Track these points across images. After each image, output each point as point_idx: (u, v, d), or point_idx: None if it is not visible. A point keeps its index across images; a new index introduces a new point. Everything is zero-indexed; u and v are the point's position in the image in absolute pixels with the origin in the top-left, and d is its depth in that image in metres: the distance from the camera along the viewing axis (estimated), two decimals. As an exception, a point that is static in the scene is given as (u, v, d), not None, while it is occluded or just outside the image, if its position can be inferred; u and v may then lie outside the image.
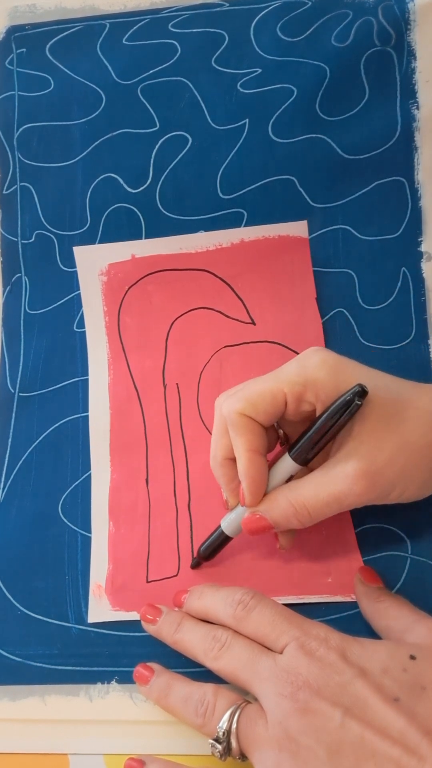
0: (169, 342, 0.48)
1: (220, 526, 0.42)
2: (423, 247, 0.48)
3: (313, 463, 0.39)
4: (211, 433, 0.45)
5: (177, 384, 0.48)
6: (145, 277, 0.49)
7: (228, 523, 0.41)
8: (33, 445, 0.48)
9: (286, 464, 0.39)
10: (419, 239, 0.48)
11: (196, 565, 0.44)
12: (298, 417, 0.39)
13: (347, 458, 0.37)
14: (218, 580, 0.43)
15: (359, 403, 0.36)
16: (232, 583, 0.42)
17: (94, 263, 0.49)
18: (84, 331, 0.49)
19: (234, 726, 0.35)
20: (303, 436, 0.38)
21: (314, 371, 0.38)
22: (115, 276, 0.49)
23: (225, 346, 0.48)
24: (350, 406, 0.36)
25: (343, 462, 0.37)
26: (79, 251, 0.49)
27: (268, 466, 0.40)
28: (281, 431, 0.41)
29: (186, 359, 0.48)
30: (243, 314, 0.48)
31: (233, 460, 0.40)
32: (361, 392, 0.36)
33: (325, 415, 0.37)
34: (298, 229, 0.48)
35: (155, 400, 0.47)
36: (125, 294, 0.49)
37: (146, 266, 0.49)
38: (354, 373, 0.38)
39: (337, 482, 0.37)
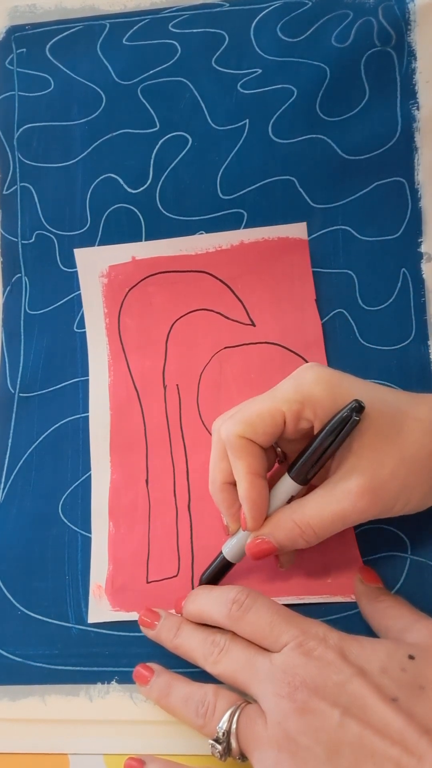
0: (169, 343, 0.48)
1: (221, 552, 0.41)
2: (423, 248, 0.48)
3: (314, 480, 0.39)
4: (211, 434, 0.46)
5: (177, 385, 0.48)
6: (145, 278, 0.49)
7: (230, 548, 0.41)
8: (33, 446, 0.48)
9: (287, 485, 0.39)
10: (419, 240, 0.48)
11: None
12: (296, 435, 0.39)
13: (349, 475, 0.37)
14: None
15: (357, 418, 0.36)
16: (235, 578, 0.42)
17: (95, 265, 0.49)
18: (84, 332, 0.49)
19: (234, 726, 0.35)
20: (302, 456, 0.38)
21: (310, 388, 0.37)
22: (116, 278, 0.49)
23: (225, 347, 0.48)
24: (348, 422, 0.36)
25: (345, 479, 0.37)
26: (79, 253, 0.49)
27: (268, 487, 0.39)
28: (279, 449, 0.41)
29: (186, 360, 0.48)
30: (243, 315, 0.48)
31: (233, 484, 0.40)
32: (358, 408, 0.36)
33: (323, 433, 0.37)
34: (298, 230, 0.48)
35: (155, 401, 0.48)
36: (125, 296, 0.49)
37: (146, 268, 0.49)
38: (350, 387, 0.38)
39: (341, 500, 0.37)
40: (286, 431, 0.38)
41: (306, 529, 0.38)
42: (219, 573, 0.41)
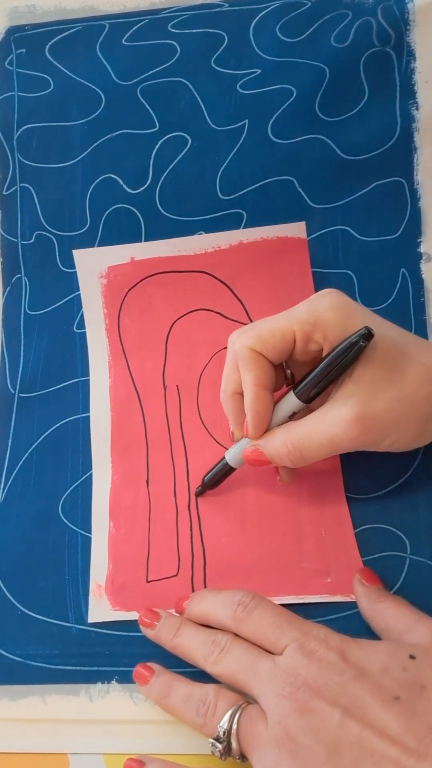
0: (169, 343, 0.48)
1: (224, 457, 0.43)
2: (422, 248, 0.48)
3: (314, 404, 0.40)
4: (211, 434, 0.46)
5: (177, 385, 0.48)
6: (144, 279, 0.49)
7: (232, 454, 0.43)
8: (33, 446, 0.48)
9: (290, 401, 0.40)
10: (418, 240, 0.48)
11: (200, 492, 0.45)
12: (305, 357, 0.40)
13: (345, 402, 0.38)
14: (220, 576, 0.43)
15: (364, 344, 0.37)
16: (234, 578, 0.43)
17: (94, 266, 0.49)
18: (84, 332, 0.49)
19: (234, 726, 0.35)
20: (308, 375, 0.40)
21: (324, 312, 0.38)
22: (115, 278, 0.49)
23: (225, 348, 0.47)
24: (355, 348, 0.37)
25: (340, 405, 0.38)
26: (78, 254, 0.49)
27: (274, 403, 0.41)
28: (289, 371, 0.42)
29: (186, 360, 0.48)
30: (242, 315, 0.48)
31: (242, 394, 0.41)
32: (367, 335, 0.37)
33: (330, 356, 0.38)
34: (297, 230, 0.48)
35: (155, 401, 0.48)
36: (125, 296, 0.49)
37: (145, 268, 0.49)
38: (363, 318, 0.39)
39: (332, 425, 0.38)
40: (295, 351, 0.40)
41: (293, 450, 0.39)
42: (220, 476, 0.44)
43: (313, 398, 0.40)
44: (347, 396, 0.38)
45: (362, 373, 0.38)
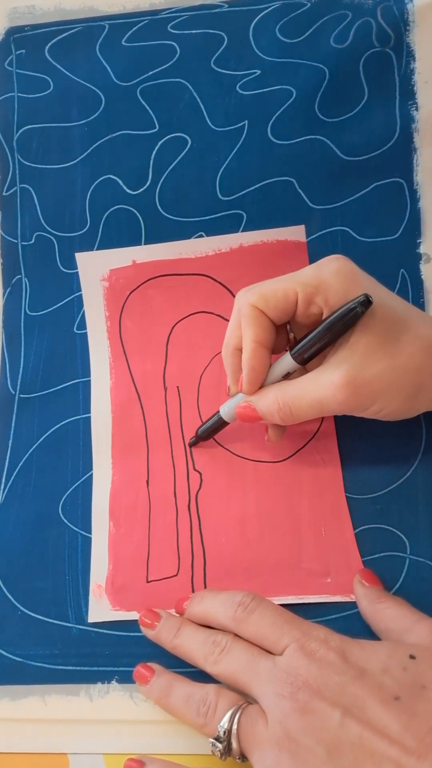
0: (170, 346, 0.48)
1: (218, 411, 0.44)
2: (422, 249, 0.48)
3: (310, 366, 0.41)
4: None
5: (177, 387, 0.48)
6: (145, 282, 0.49)
7: (226, 409, 0.44)
8: (33, 447, 0.48)
9: (285, 362, 0.41)
10: (418, 241, 0.48)
11: (193, 443, 0.46)
12: (307, 320, 0.41)
13: (337, 366, 0.38)
14: (220, 576, 0.43)
15: (361, 311, 0.37)
16: (234, 578, 0.43)
17: (96, 269, 0.49)
18: (84, 333, 0.49)
19: (235, 726, 0.35)
20: (305, 338, 0.40)
21: (328, 277, 0.39)
22: (117, 281, 0.49)
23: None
24: (352, 314, 0.37)
25: (332, 368, 0.38)
26: (81, 257, 0.50)
27: (270, 360, 0.42)
28: (292, 335, 0.43)
29: (186, 362, 0.48)
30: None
31: (242, 350, 0.42)
32: (366, 302, 0.37)
33: (328, 320, 0.39)
34: (296, 233, 0.48)
35: (156, 402, 0.48)
36: (126, 299, 0.49)
37: (147, 271, 0.49)
38: (366, 285, 0.39)
39: (323, 388, 0.39)
40: (297, 313, 0.40)
41: (283, 407, 0.40)
42: (213, 429, 0.45)
43: (308, 360, 0.41)
44: (340, 361, 0.38)
45: (358, 339, 0.38)
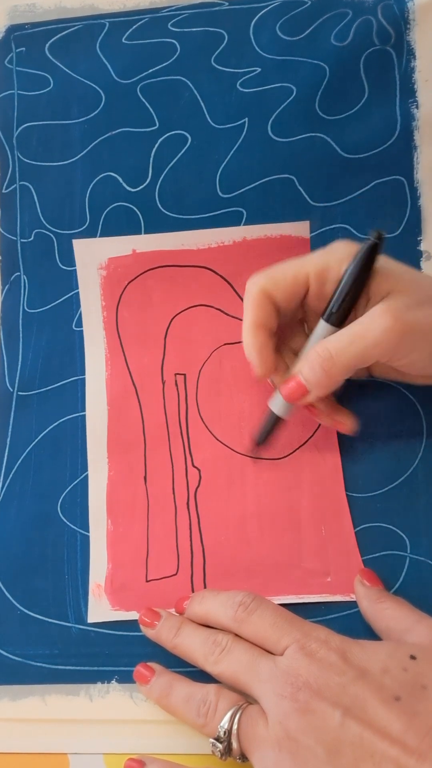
0: (168, 338, 0.48)
1: (269, 408, 0.44)
2: (422, 246, 0.48)
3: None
4: (209, 430, 0.46)
5: (176, 381, 0.48)
6: (145, 272, 0.49)
7: (275, 401, 0.43)
8: (32, 445, 0.48)
9: (320, 329, 0.41)
10: (418, 238, 0.48)
11: (256, 455, 0.46)
12: (322, 302, 0.41)
13: (382, 311, 0.38)
14: (220, 576, 0.43)
15: (377, 242, 0.38)
16: (234, 577, 0.43)
17: (94, 257, 0.49)
18: (83, 330, 0.49)
19: (235, 726, 0.35)
20: (332, 297, 0.40)
21: (339, 257, 0.40)
22: (115, 271, 0.49)
23: (224, 344, 0.48)
24: (371, 247, 0.38)
25: (375, 314, 0.38)
26: (78, 244, 0.49)
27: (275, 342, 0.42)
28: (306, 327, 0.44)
29: (185, 356, 0.48)
30: (242, 312, 0.48)
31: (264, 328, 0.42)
32: (379, 236, 0.38)
33: (349, 268, 0.39)
34: (300, 229, 0.48)
35: (153, 396, 0.47)
36: (124, 289, 0.49)
37: (147, 261, 0.49)
38: (379, 262, 0.39)
39: (363, 321, 0.38)
40: (310, 295, 0.41)
41: (323, 352, 0.39)
42: (269, 431, 0.44)
43: (342, 319, 0.40)
44: (383, 308, 0.38)
45: (394, 293, 0.39)
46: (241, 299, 0.48)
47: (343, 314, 0.40)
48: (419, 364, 0.39)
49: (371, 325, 0.38)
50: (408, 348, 0.38)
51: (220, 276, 0.48)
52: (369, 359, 0.39)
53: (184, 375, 0.48)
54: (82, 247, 0.49)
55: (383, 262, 0.40)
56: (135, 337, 0.48)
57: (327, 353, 0.39)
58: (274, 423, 0.44)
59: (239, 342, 0.47)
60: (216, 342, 0.48)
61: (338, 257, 0.40)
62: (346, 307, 0.40)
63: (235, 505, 0.45)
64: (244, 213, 0.49)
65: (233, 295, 0.48)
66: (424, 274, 0.40)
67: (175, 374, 0.48)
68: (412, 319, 0.38)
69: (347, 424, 0.44)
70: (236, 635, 0.38)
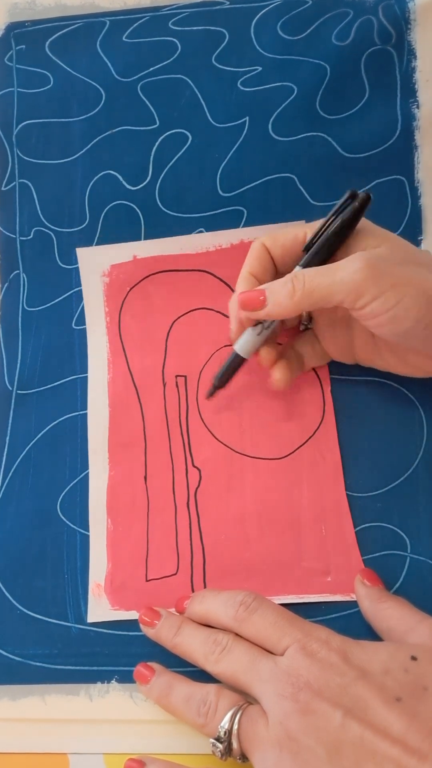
0: (169, 341, 0.48)
1: (234, 351, 0.44)
2: (423, 246, 0.48)
3: None
4: (210, 431, 0.46)
5: (176, 383, 0.48)
6: (146, 278, 0.49)
7: (240, 342, 0.44)
8: (31, 443, 0.48)
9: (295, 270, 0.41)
10: (419, 238, 0.48)
11: (211, 393, 0.45)
12: None
13: (355, 255, 0.39)
14: (220, 575, 0.43)
15: (357, 204, 0.40)
16: (234, 577, 0.43)
17: (97, 265, 0.49)
18: (83, 329, 0.49)
19: (235, 726, 0.35)
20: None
21: None
22: (117, 277, 0.49)
23: (225, 346, 0.48)
24: (348, 201, 0.40)
25: (351, 257, 0.39)
26: (81, 252, 0.49)
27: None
28: (306, 313, 0.44)
29: (186, 358, 0.48)
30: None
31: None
32: (368, 195, 0.40)
33: (335, 221, 0.40)
34: None
35: (154, 397, 0.47)
36: (126, 295, 0.49)
37: (147, 267, 0.49)
38: (364, 224, 0.41)
39: (338, 262, 0.39)
40: None
41: (298, 276, 0.39)
42: (230, 371, 0.44)
43: (320, 258, 0.41)
44: (361, 254, 0.39)
45: (378, 245, 0.40)
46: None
47: (320, 256, 0.41)
48: (396, 323, 0.38)
49: (344, 264, 0.38)
50: (380, 288, 0.37)
51: (220, 279, 0.48)
52: (335, 294, 0.38)
53: (185, 377, 0.48)
54: (85, 255, 0.49)
55: (368, 224, 0.41)
56: (137, 342, 0.48)
57: (301, 276, 0.39)
58: (234, 363, 0.44)
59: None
60: (216, 344, 0.48)
61: None
62: (322, 258, 0.41)
63: (235, 505, 0.45)
64: (245, 212, 0.49)
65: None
66: (408, 242, 0.41)
67: (176, 376, 0.48)
68: (384, 268, 0.38)
69: (275, 381, 0.44)
70: (237, 635, 0.38)
